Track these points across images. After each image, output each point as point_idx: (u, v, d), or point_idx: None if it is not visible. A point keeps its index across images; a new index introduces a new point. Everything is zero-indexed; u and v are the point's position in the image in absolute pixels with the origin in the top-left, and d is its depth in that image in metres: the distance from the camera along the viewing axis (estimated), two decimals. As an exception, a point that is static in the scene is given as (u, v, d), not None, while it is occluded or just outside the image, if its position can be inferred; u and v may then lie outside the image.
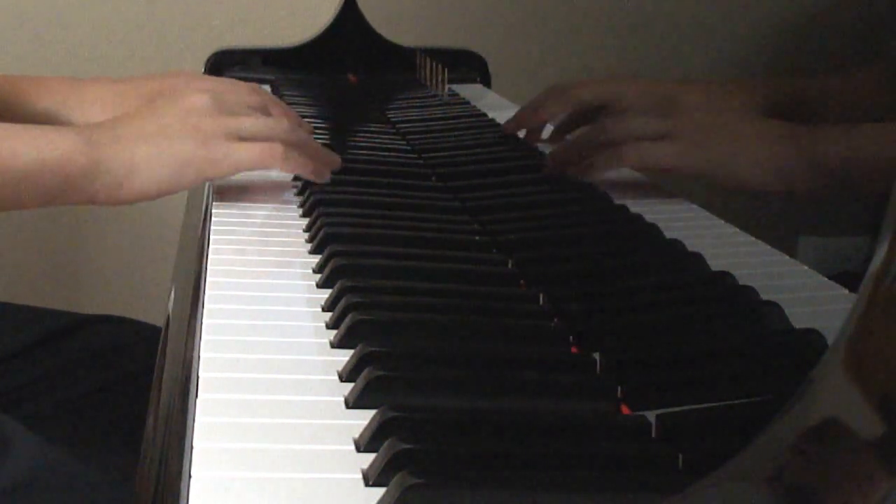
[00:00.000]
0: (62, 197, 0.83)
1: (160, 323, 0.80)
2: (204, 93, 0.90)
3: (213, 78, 1.27)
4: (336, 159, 0.96)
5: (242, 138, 0.87)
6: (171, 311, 0.77)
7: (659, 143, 0.88)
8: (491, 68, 1.47)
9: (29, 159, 0.81)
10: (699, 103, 1.04)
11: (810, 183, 0.82)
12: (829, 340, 0.49)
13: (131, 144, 0.84)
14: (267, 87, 1.30)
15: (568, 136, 1.07)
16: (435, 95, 1.40)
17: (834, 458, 0.37)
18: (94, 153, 0.82)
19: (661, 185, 0.93)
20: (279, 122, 0.91)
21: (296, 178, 0.97)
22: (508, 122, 1.15)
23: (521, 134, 1.15)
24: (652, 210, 0.86)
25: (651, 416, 0.52)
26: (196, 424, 0.51)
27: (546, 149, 1.08)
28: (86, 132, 0.84)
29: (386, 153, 1.09)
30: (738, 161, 0.84)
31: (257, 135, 0.88)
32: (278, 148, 0.86)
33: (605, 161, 0.91)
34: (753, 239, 0.80)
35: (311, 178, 0.90)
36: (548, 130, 1.20)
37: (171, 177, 0.84)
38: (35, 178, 0.81)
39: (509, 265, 0.76)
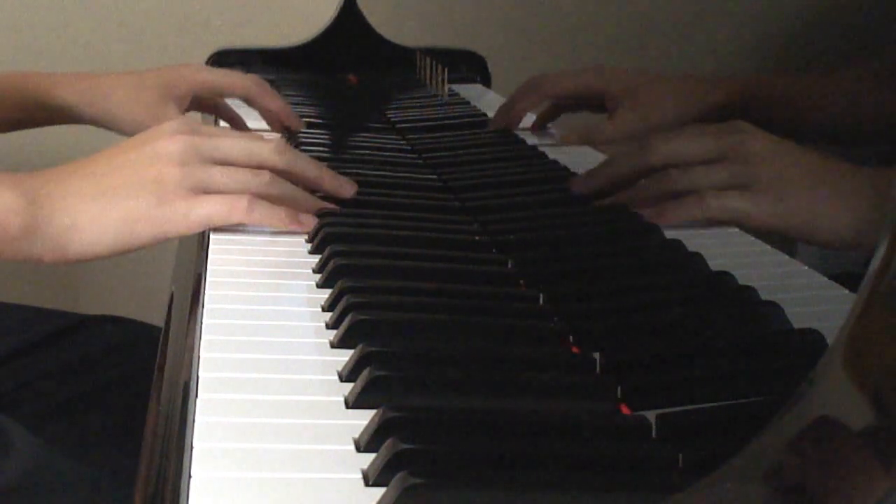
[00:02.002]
0: (2, 255, 0.77)
1: (160, 323, 0.80)
2: (178, 136, 0.81)
3: (217, 70, 1.28)
4: (318, 204, 0.86)
5: (208, 190, 0.80)
6: (171, 311, 0.77)
7: (740, 194, 0.81)
8: (491, 68, 1.47)
9: None
10: (678, 95, 1.04)
11: None
12: (829, 340, 0.49)
13: (76, 203, 0.77)
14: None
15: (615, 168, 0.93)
16: (435, 95, 1.40)
17: (833, 458, 0.37)
18: (33, 212, 0.76)
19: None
20: (256, 175, 0.81)
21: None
22: (492, 120, 1.19)
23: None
24: (652, 210, 0.85)
25: (651, 416, 0.52)
26: (196, 424, 0.51)
27: (541, 143, 1.08)
28: (30, 188, 0.77)
29: (386, 153, 1.09)
30: (826, 219, 0.78)
31: (226, 187, 0.80)
32: (242, 201, 0.79)
33: (683, 211, 0.83)
34: (753, 239, 0.80)
35: (283, 227, 0.82)
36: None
37: (119, 237, 0.77)
38: None
39: (509, 265, 0.76)
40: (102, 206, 0.77)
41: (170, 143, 0.80)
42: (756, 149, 0.82)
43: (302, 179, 0.86)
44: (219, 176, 0.80)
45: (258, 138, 0.86)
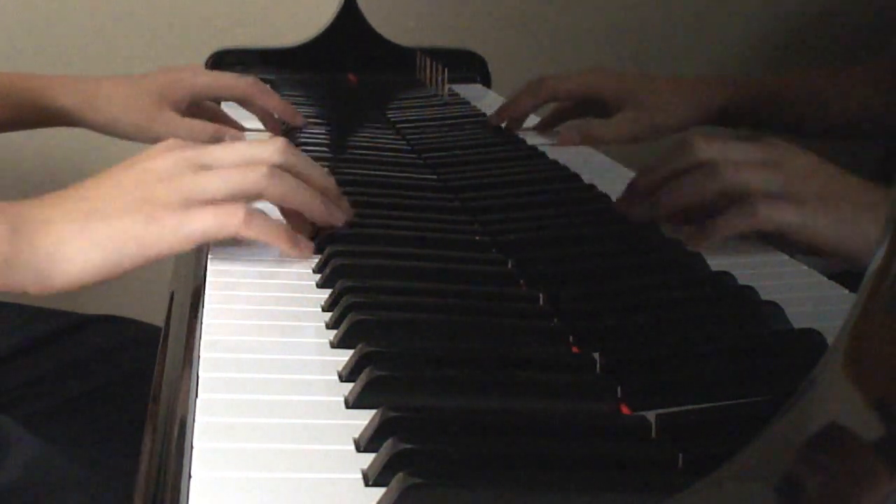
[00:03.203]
0: None
1: (160, 323, 0.80)
2: (168, 152, 0.77)
3: (214, 73, 1.27)
4: (325, 212, 0.79)
5: (204, 201, 0.74)
6: (171, 311, 0.77)
7: (795, 204, 0.74)
8: (491, 68, 1.47)
9: None
10: (680, 96, 1.04)
11: None
12: (829, 340, 0.49)
13: (61, 228, 0.72)
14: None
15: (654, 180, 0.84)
16: (435, 95, 1.41)
17: (833, 458, 0.37)
18: (15, 241, 0.71)
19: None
20: (250, 170, 0.76)
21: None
22: (492, 115, 1.20)
23: (505, 124, 1.19)
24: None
25: (651, 416, 0.52)
26: (196, 424, 0.51)
27: (543, 144, 1.08)
28: (12, 214, 0.72)
29: (386, 153, 1.09)
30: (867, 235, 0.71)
31: (218, 191, 0.74)
32: (239, 212, 0.73)
33: (732, 224, 0.76)
34: (753, 239, 0.80)
35: (284, 247, 0.76)
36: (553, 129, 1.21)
37: (108, 260, 0.72)
38: None
39: (509, 265, 0.76)
40: (87, 230, 0.72)
41: (158, 160, 0.76)
42: (804, 161, 0.77)
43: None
44: (209, 181, 0.74)
45: (259, 142, 0.81)
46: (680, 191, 0.80)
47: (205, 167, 0.76)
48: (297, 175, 0.78)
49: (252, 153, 0.78)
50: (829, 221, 0.74)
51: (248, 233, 0.74)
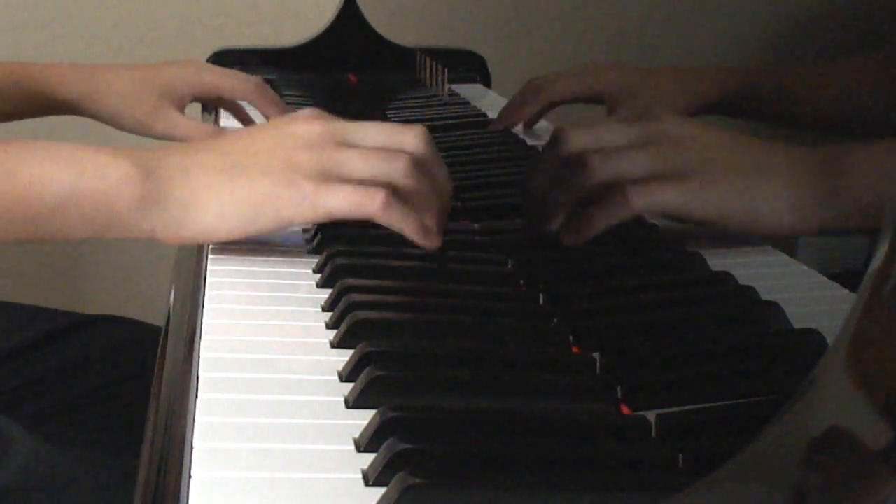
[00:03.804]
0: (110, 231, 0.71)
1: (160, 323, 0.80)
2: (314, 120, 0.76)
3: (218, 70, 1.27)
4: (440, 216, 0.76)
5: (343, 178, 0.73)
6: (171, 311, 0.77)
7: (666, 182, 0.73)
8: (491, 68, 1.47)
9: (64, 187, 0.69)
10: (678, 90, 1.04)
11: (841, 221, 0.71)
12: (829, 340, 0.49)
13: (199, 177, 0.71)
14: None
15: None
16: (435, 95, 1.40)
17: (833, 458, 0.37)
18: (150, 185, 0.70)
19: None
20: (392, 159, 0.74)
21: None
22: (493, 122, 1.19)
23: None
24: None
25: (651, 416, 0.52)
26: (196, 424, 0.51)
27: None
28: (147, 159, 0.72)
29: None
30: (764, 204, 0.71)
31: (360, 173, 0.73)
32: (379, 195, 0.71)
33: (607, 213, 0.74)
34: (754, 239, 0.80)
35: (416, 238, 0.74)
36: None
37: (243, 218, 0.71)
38: (73, 209, 0.69)
39: (509, 265, 0.76)
40: (226, 184, 0.71)
41: (304, 126, 0.75)
42: (677, 132, 0.75)
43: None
44: (351, 158, 0.73)
45: (401, 127, 0.79)
46: (563, 191, 0.78)
47: (347, 143, 0.75)
48: (428, 170, 0.76)
49: (394, 138, 0.76)
50: (714, 193, 0.72)
51: (384, 218, 0.72)
